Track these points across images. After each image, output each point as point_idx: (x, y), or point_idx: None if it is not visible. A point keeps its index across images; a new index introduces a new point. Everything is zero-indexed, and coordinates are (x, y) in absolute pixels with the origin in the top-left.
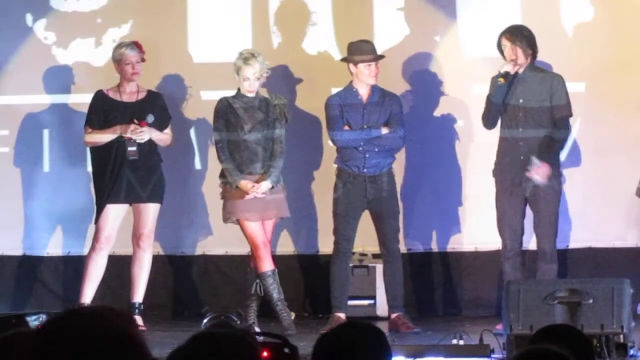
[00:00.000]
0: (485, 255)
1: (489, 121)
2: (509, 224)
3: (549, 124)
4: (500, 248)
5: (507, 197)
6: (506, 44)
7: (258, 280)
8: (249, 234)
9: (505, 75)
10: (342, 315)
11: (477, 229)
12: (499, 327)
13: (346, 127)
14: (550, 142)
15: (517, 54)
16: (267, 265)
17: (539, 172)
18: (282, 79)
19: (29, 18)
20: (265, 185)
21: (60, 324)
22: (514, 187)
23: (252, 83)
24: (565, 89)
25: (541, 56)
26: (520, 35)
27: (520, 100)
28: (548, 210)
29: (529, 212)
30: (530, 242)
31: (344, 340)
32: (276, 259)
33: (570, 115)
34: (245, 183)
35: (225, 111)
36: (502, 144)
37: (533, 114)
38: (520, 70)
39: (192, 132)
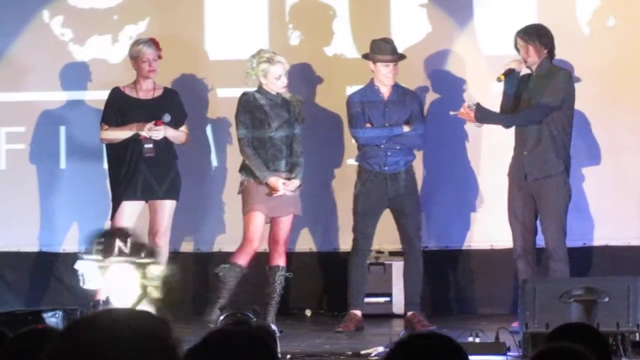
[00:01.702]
0: (501, 253)
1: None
2: (519, 221)
3: (558, 121)
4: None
5: (516, 193)
6: (520, 43)
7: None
8: (252, 227)
9: (509, 72)
10: (359, 313)
11: (493, 227)
12: (515, 325)
13: (367, 125)
14: (504, 114)
15: (529, 53)
16: (243, 260)
17: (462, 113)
18: (299, 76)
19: (45, 15)
20: (295, 183)
21: (89, 324)
22: (521, 182)
23: (284, 78)
24: (561, 83)
25: (556, 55)
26: (533, 35)
27: (529, 97)
28: (551, 208)
29: None
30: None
31: (425, 347)
32: (295, 256)
33: (549, 105)
34: (275, 179)
35: (251, 106)
36: (514, 140)
37: None
38: (534, 68)
39: (209, 129)
